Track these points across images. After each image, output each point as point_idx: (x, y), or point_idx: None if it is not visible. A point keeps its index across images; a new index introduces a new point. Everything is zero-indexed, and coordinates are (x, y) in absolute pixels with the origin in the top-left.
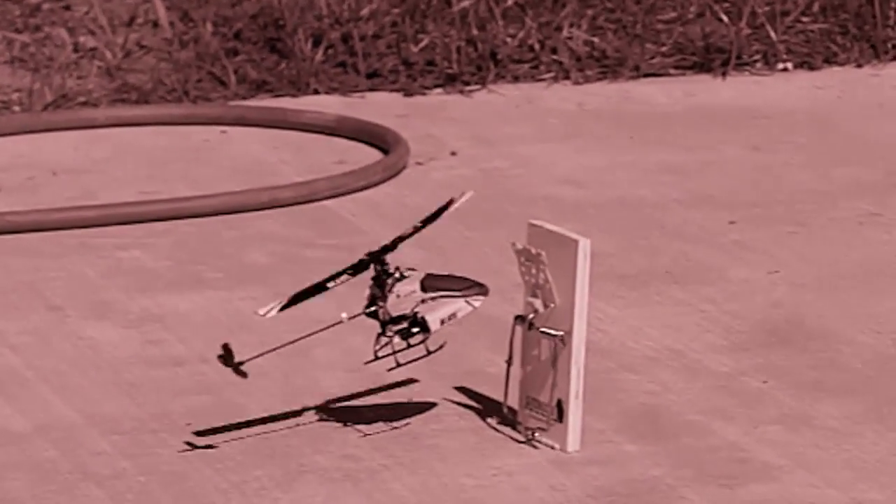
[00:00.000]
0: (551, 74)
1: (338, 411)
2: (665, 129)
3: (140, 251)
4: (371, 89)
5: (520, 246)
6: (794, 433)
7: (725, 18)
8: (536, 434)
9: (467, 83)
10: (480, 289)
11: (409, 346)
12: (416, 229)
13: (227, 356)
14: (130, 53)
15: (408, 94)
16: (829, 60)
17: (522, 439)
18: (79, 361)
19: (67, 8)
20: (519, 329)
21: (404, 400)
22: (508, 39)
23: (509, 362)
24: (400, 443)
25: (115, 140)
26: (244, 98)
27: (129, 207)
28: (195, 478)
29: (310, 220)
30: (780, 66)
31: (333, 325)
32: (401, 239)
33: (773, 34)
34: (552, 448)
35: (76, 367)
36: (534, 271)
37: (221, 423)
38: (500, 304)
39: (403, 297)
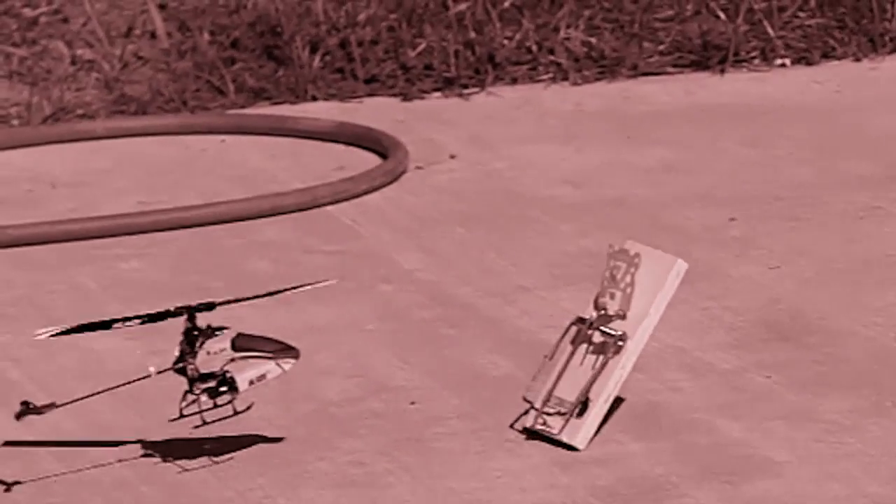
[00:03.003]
0: (549, 75)
1: (340, 417)
2: (664, 128)
3: (141, 262)
4: (369, 95)
5: (617, 248)
6: (798, 428)
7: (722, 15)
8: (548, 422)
9: (465, 86)
10: (291, 352)
11: (216, 405)
12: (252, 297)
13: (25, 410)
14: (128, 65)
15: (406, 98)
16: (827, 55)
17: (529, 427)
18: (81, 373)
19: (65, 21)
20: (574, 329)
21: (406, 404)
22: (506, 42)
23: (549, 357)
24: (403, 447)
25: (115, 151)
26: (243, 106)
27: (129, 218)
28: (198, 486)
29: (311, 226)
30: (778, 61)
31: (140, 379)
32: (228, 302)
33: (770, 30)
34: (560, 441)
35: (78, 378)
36: (621, 275)
37: (223, 432)
38: (502, 306)
39: (214, 355)
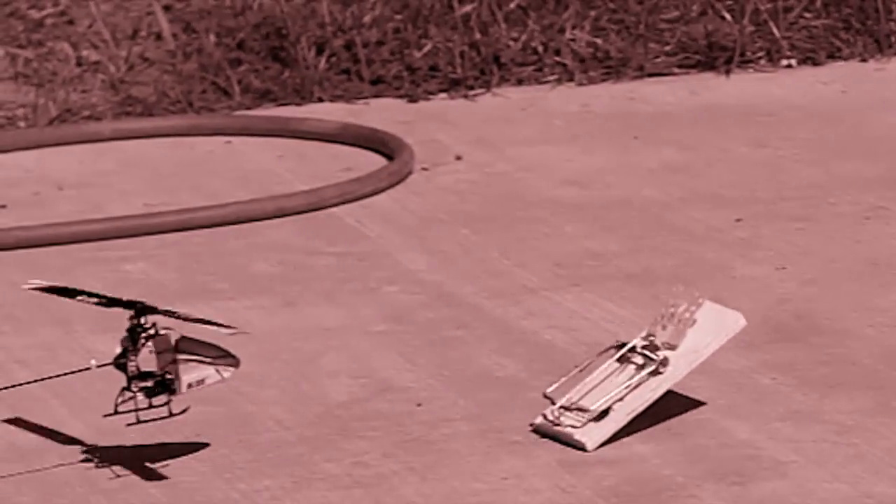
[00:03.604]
0: (555, 76)
1: (346, 418)
2: (670, 129)
3: (147, 263)
4: (375, 96)
5: (683, 288)
6: (804, 429)
7: (728, 16)
8: (563, 420)
9: (471, 87)
10: (232, 360)
11: (151, 406)
12: (195, 320)
13: None
14: (134, 66)
15: (412, 99)
16: (833, 56)
17: (548, 419)
18: (87, 375)
19: (70, 22)
20: (612, 351)
21: (412, 405)
22: (511, 43)
23: (581, 368)
24: (409, 448)
25: (121, 153)
26: (248, 108)
27: (135, 220)
28: (205, 488)
29: (317, 227)
30: (784, 62)
31: (81, 371)
32: (171, 314)
33: (776, 31)
34: (569, 441)
35: (84, 380)
36: (679, 312)
37: (230, 433)
38: (506, 306)
39: (156, 355)
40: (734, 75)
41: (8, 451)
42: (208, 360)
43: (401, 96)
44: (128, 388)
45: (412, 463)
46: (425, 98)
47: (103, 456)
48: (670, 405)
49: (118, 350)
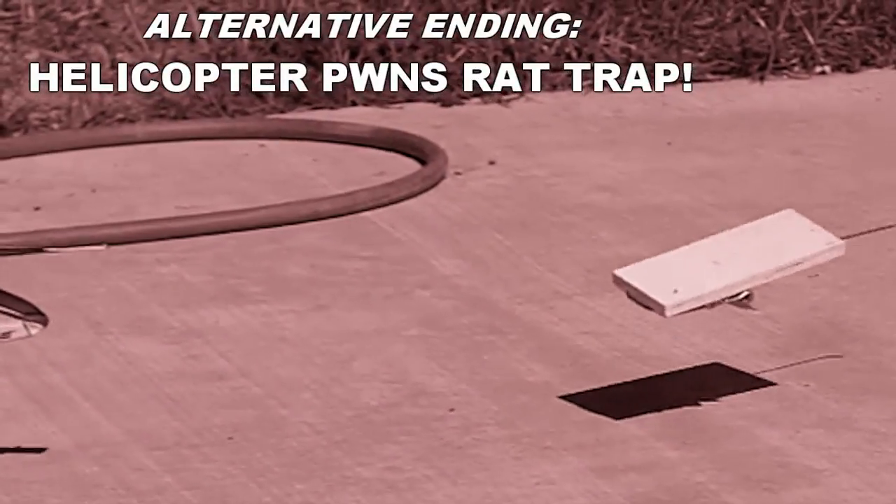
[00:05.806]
0: (588, 82)
1: (378, 423)
2: (703, 135)
3: (180, 266)
4: (408, 100)
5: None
6: (836, 436)
7: (762, 23)
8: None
9: (505, 92)
10: (41, 317)
11: None
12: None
13: None
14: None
15: (445, 104)
16: (867, 63)
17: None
18: (120, 377)
19: (105, 25)
20: None
21: (444, 410)
22: (545, 48)
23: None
24: (441, 453)
25: (154, 155)
26: (282, 111)
27: (168, 223)
28: (238, 492)
29: (349, 232)
30: (818, 69)
31: None
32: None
33: (810, 38)
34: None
35: (117, 382)
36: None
37: (263, 437)
38: (540, 312)
39: None
40: (768, 82)
41: (40, 453)
42: (18, 314)
43: (434, 101)
44: None
45: (444, 468)
46: (459, 102)
47: (135, 458)
48: (702, 411)
49: None
